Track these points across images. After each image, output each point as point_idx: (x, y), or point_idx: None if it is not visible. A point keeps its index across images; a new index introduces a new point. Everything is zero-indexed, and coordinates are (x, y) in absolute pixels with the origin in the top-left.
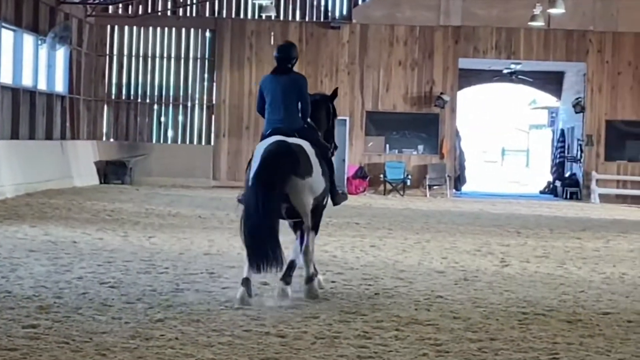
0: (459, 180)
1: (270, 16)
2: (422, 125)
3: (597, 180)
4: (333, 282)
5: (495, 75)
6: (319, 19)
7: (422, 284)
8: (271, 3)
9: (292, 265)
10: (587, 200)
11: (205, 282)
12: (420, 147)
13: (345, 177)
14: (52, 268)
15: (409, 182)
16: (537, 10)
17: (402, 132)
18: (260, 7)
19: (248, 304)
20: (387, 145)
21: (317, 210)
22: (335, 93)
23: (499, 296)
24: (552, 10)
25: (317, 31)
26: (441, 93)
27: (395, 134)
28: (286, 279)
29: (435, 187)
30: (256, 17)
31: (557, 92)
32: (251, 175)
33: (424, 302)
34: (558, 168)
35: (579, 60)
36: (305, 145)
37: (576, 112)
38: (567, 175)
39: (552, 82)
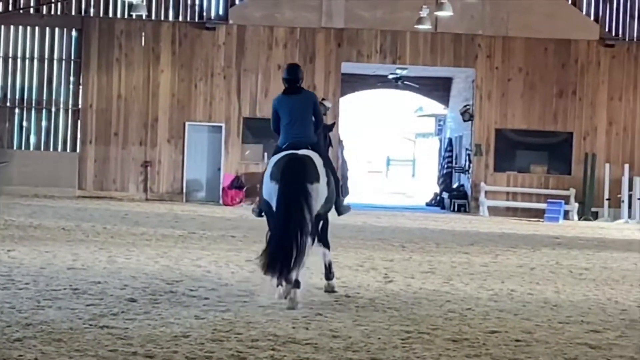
0: (341, 192)
1: (141, 15)
2: None
3: (486, 192)
4: (206, 298)
5: (380, 81)
6: (193, 19)
7: (300, 301)
8: (142, 1)
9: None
10: (475, 213)
11: (68, 298)
12: None
13: (221, 187)
14: None
15: None
16: (424, 13)
17: None
18: (131, 6)
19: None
20: (265, 154)
21: (319, 219)
22: (333, 125)
23: (381, 314)
24: (440, 13)
25: (191, 32)
26: (323, 99)
27: (274, 141)
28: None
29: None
30: (126, 16)
31: (444, 99)
32: (268, 187)
33: (302, 320)
34: (445, 179)
35: (467, 66)
36: (315, 156)
37: (464, 120)
38: (454, 186)
39: (439, 89)
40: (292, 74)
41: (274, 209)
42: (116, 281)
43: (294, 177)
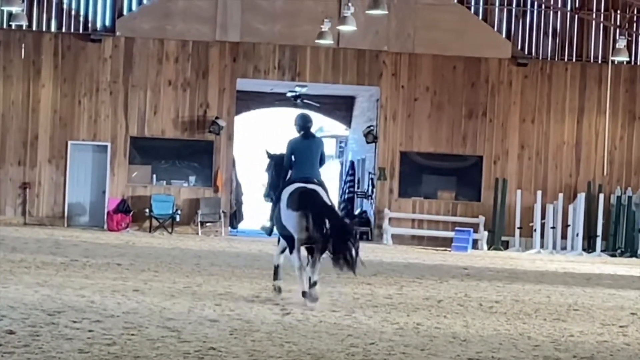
0: (235, 217)
1: (21, 25)
2: (195, 153)
3: (390, 219)
4: (90, 331)
5: (277, 99)
6: (77, 30)
7: (193, 334)
8: (22, 10)
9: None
10: (378, 241)
11: None
12: (192, 179)
13: (105, 212)
14: None
15: (178, 218)
16: (326, 27)
17: (171, 161)
18: (10, 15)
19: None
20: (154, 176)
21: None
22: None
23: (279, 348)
24: (342, 28)
25: (75, 44)
26: (216, 117)
27: (164, 163)
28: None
29: (208, 224)
30: (4, 25)
31: (346, 119)
32: (285, 212)
33: (194, 355)
34: (347, 204)
35: (371, 84)
36: (320, 189)
37: (368, 142)
38: (356, 212)
39: (341, 108)
40: (307, 122)
41: (291, 230)
42: None
43: (313, 201)
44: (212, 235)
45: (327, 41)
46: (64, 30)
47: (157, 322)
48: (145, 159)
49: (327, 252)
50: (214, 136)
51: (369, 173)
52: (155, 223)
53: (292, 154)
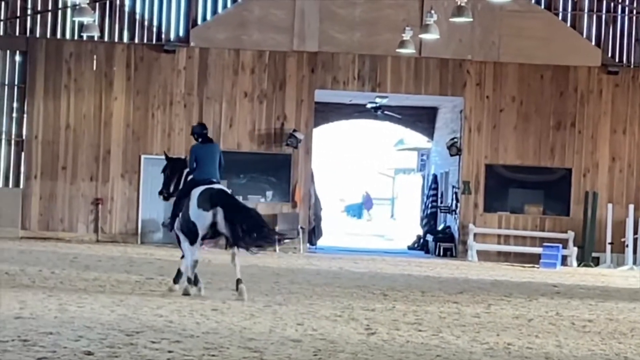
0: (314, 233)
1: (92, 36)
2: (272, 167)
3: (475, 235)
4: (170, 352)
5: (357, 111)
6: (150, 41)
7: (275, 355)
8: (94, 21)
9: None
10: (463, 258)
11: (17, 351)
12: (269, 194)
13: None
14: None
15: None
16: (407, 36)
17: (247, 175)
18: (81, 26)
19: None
20: (230, 191)
21: None
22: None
23: None
24: (425, 36)
25: (148, 55)
26: (294, 130)
27: (240, 177)
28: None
29: (286, 240)
30: (76, 37)
31: (429, 131)
32: (195, 212)
33: None
34: (429, 220)
35: (455, 95)
36: (224, 187)
37: (451, 155)
38: (440, 228)
39: (423, 120)
40: (204, 129)
41: (198, 228)
42: (69, 332)
43: (224, 200)
44: (290, 252)
45: (409, 50)
46: (136, 41)
47: (238, 342)
48: (221, 173)
49: (243, 243)
50: (291, 149)
51: (453, 187)
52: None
53: (195, 158)
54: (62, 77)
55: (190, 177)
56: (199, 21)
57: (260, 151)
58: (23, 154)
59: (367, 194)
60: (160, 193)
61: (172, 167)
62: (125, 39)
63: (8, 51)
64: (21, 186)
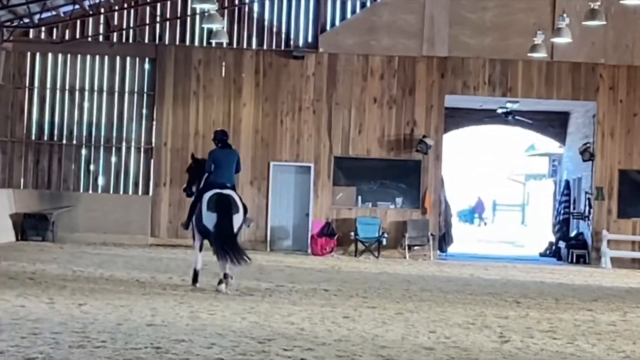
0: (444, 240)
1: (221, 43)
2: (401, 174)
3: (608, 241)
4: (302, 359)
5: (487, 116)
6: (279, 47)
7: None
8: (222, 28)
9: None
10: (596, 265)
11: (150, 358)
12: (399, 200)
13: (309, 235)
14: None
15: (384, 242)
16: (539, 40)
17: (377, 181)
18: (210, 32)
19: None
20: (359, 198)
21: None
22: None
23: None
24: (557, 40)
25: (276, 61)
26: (424, 136)
27: (370, 184)
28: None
29: (416, 247)
30: (205, 44)
31: (560, 136)
32: (205, 216)
33: None
34: (562, 226)
35: (587, 99)
36: (233, 194)
37: (584, 160)
38: (572, 234)
39: (555, 125)
40: (224, 136)
41: (211, 228)
42: (201, 339)
43: (226, 209)
44: (420, 259)
45: (540, 54)
46: (265, 47)
47: (371, 350)
48: (350, 179)
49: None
50: (421, 155)
51: (586, 193)
52: (360, 247)
53: (213, 161)
54: (191, 83)
55: (207, 179)
56: (328, 27)
57: (390, 157)
58: (152, 161)
59: (480, 199)
60: (185, 190)
61: (196, 169)
62: (254, 45)
63: (137, 58)
64: (150, 194)
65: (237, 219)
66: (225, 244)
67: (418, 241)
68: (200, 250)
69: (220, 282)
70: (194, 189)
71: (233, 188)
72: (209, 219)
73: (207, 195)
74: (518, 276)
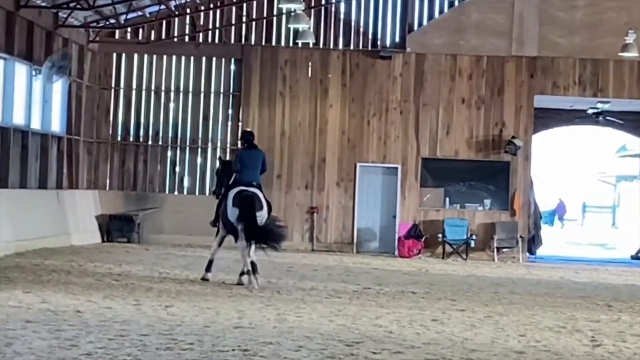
0: (533, 242)
1: (307, 43)
2: (490, 175)
3: None
4: None
5: (577, 116)
6: (365, 47)
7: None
8: (309, 28)
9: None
10: None
11: None
12: (487, 202)
13: (396, 237)
14: (54, 342)
15: (473, 244)
16: (630, 39)
17: (465, 183)
18: (297, 33)
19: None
20: (447, 199)
21: None
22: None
23: None
24: None
25: (363, 61)
26: (513, 137)
27: (457, 185)
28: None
29: (505, 249)
30: (291, 44)
31: None
32: (230, 211)
33: None
34: None
35: None
36: (258, 192)
37: None
38: None
39: None
40: (252, 137)
41: (235, 224)
42: (289, 342)
43: (250, 206)
44: (509, 261)
45: (632, 54)
46: (352, 47)
47: (460, 353)
48: (438, 181)
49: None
50: (510, 157)
51: None
52: (448, 249)
53: (239, 161)
54: (277, 84)
55: (234, 179)
56: (415, 26)
57: (478, 158)
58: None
59: (561, 200)
60: (214, 192)
61: (224, 170)
62: (341, 45)
63: (223, 59)
64: None
65: (261, 215)
66: (256, 228)
67: (507, 243)
68: (220, 245)
69: (243, 274)
70: (222, 190)
71: (259, 187)
72: (234, 214)
73: (232, 192)
74: (609, 279)
